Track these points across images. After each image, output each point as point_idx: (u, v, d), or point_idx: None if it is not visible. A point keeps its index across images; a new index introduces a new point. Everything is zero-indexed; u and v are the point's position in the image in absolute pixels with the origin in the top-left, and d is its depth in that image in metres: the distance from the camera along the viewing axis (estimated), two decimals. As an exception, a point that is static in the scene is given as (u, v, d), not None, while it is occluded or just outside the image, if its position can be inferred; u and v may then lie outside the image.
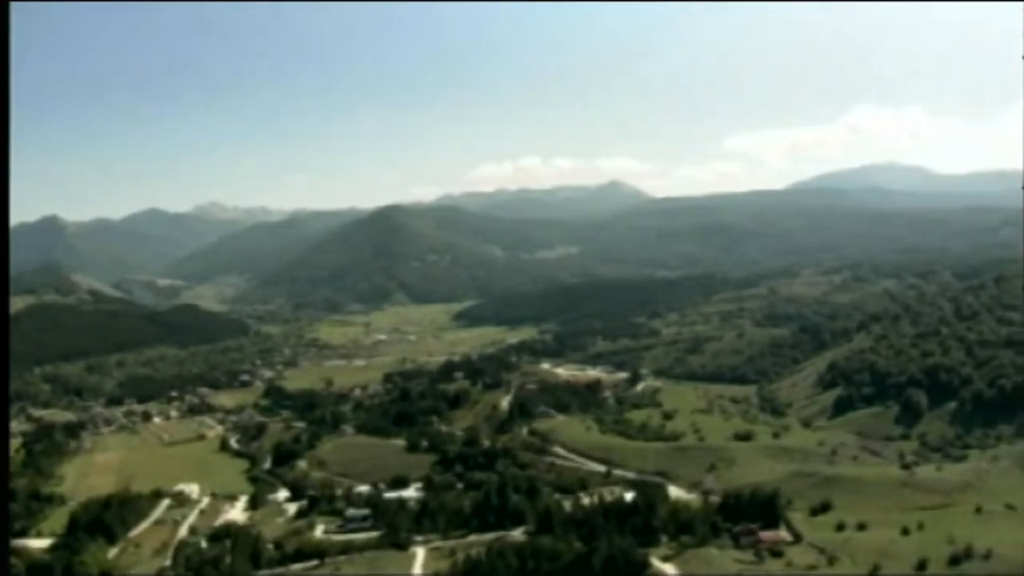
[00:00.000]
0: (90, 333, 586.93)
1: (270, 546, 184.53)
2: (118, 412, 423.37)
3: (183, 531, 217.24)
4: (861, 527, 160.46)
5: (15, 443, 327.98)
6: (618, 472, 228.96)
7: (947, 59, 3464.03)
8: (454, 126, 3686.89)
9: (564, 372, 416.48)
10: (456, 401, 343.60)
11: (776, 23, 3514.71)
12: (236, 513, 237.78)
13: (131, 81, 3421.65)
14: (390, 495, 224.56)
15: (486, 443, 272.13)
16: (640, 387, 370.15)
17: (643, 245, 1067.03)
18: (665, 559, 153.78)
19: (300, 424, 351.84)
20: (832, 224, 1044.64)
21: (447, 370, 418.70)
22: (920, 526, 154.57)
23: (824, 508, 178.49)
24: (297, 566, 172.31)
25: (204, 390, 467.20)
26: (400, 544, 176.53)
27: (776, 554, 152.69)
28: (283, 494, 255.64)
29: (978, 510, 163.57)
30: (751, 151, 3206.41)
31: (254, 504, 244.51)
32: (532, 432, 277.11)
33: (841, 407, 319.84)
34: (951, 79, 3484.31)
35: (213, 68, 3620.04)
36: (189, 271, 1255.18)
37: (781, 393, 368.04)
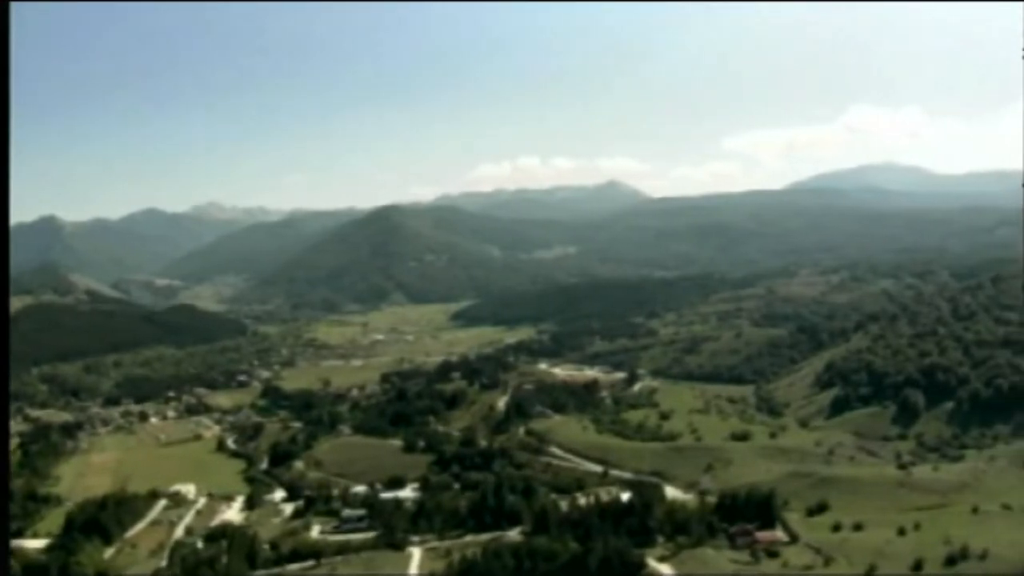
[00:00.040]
0: (87, 333, 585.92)
1: (266, 546, 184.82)
2: (115, 412, 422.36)
3: (179, 531, 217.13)
4: (857, 527, 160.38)
5: (11, 443, 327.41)
6: (615, 472, 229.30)
7: (945, 59, 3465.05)
8: (452, 126, 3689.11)
9: (561, 372, 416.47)
10: (453, 401, 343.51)
11: (774, 23, 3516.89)
12: (232, 513, 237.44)
13: (129, 81, 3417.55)
14: (386, 495, 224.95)
15: (483, 443, 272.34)
16: (637, 387, 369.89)
17: (641, 245, 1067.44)
18: (661, 559, 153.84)
19: (297, 424, 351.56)
20: (830, 224, 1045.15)
21: (444, 370, 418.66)
22: (916, 526, 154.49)
23: (820, 508, 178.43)
24: (293, 566, 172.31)
25: (201, 390, 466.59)
26: (396, 544, 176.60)
27: (772, 554, 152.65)
28: (280, 494, 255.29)
29: (975, 510, 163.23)
30: (749, 151, 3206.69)
31: (250, 504, 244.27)
32: (529, 432, 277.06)
33: (838, 407, 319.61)
34: (949, 79, 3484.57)
35: (211, 68, 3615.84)
36: (187, 271, 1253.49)
37: (778, 393, 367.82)
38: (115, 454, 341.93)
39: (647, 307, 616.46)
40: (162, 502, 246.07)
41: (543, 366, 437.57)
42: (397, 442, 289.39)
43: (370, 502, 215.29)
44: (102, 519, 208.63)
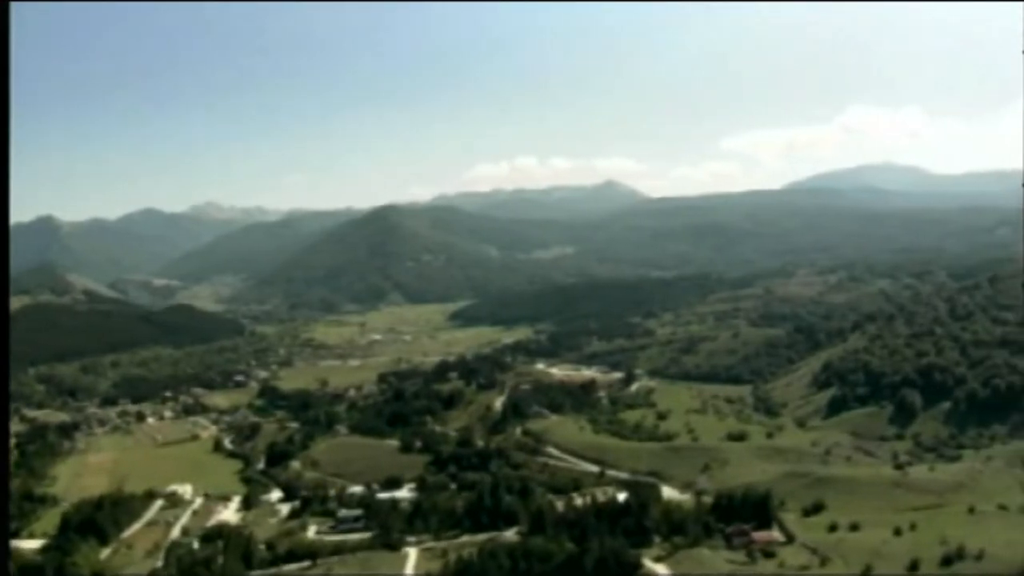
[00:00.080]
0: (85, 333, 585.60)
1: (262, 547, 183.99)
2: (112, 413, 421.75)
3: (175, 532, 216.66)
4: (854, 527, 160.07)
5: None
6: (611, 472, 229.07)
7: (943, 59, 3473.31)
8: (450, 126, 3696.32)
9: (559, 372, 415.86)
10: (450, 401, 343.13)
11: (772, 23, 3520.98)
12: (229, 514, 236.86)
13: (127, 81, 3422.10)
14: (383, 496, 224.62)
15: (480, 443, 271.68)
16: (634, 387, 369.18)
17: (639, 245, 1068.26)
18: (657, 560, 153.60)
19: (294, 424, 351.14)
20: (827, 224, 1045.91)
21: (441, 370, 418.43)
22: (913, 526, 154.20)
23: (817, 508, 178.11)
24: (289, 567, 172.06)
25: (198, 390, 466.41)
26: (392, 545, 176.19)
27: (768, 555, 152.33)
28: (276, 495, 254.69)
29: (971, 510, 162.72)
30: (747, 151, 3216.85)
31: (247, 505, 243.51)
32: (526, 432, 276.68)
33: (835, 407, 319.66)
34: (947, 79, 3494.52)
35: (209, 68, 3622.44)
36: (185, 271, 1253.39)
37: (776, 393, 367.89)
38: (112, 454, 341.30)
39: (645, 307, 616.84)
40: (158, 502, 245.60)
41: (540, 366, 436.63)
42: (394, 442, 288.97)
43: (366, 502, 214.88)
44: (98, 519, 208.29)
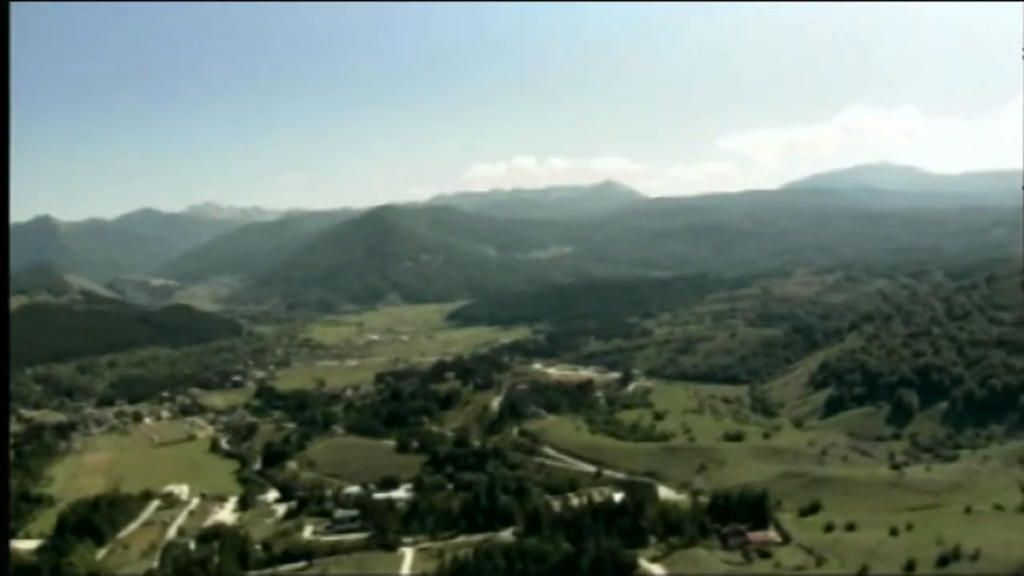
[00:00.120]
0: (82, 333, 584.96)
1: (258, 547, 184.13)
2: (109, 413, 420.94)
3: (172, 532, 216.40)
4: (850, 528, 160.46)
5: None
6: (608, 473, 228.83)
7: (941, 59, 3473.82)
8: (449, 126, 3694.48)
9: (556, 372, 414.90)
10: (447, 401, 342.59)
11: (769, 23, 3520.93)
12: (225, 514, 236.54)
13: (125, 81, 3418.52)
14: (379, 496, 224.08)
15: (476, 444, 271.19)
16: (631, 387, 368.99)
17: (637, 245, 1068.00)
18: (653, 560, 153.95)
19: (291, 425, 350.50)
20: (825, 224, 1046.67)
21: (439, 370, 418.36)
22: (909, 527, 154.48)
23: (813, 509, 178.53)
24: (285, 567, 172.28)
25: (196, 391, 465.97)
26: (388, 545, 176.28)
27: (764, 555, 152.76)
28: (273, 495, 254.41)
29: (967, 510, 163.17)
30: (745, 151, 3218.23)
31: (243, 505, 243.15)
32: (522, 432, 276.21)
33: (832, 407, 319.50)
34: (945, 79, 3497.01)
35: (207, 68, 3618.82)
36: (183, 271, 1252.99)
37: (773, 393, 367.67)
38: (108, 455, 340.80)
39: (642, 307, 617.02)
40: (155, 503, 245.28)
41: (538, 366, 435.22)
42: (391, 442, 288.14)
43: (363, 503, 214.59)
44: (94, 520, 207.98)
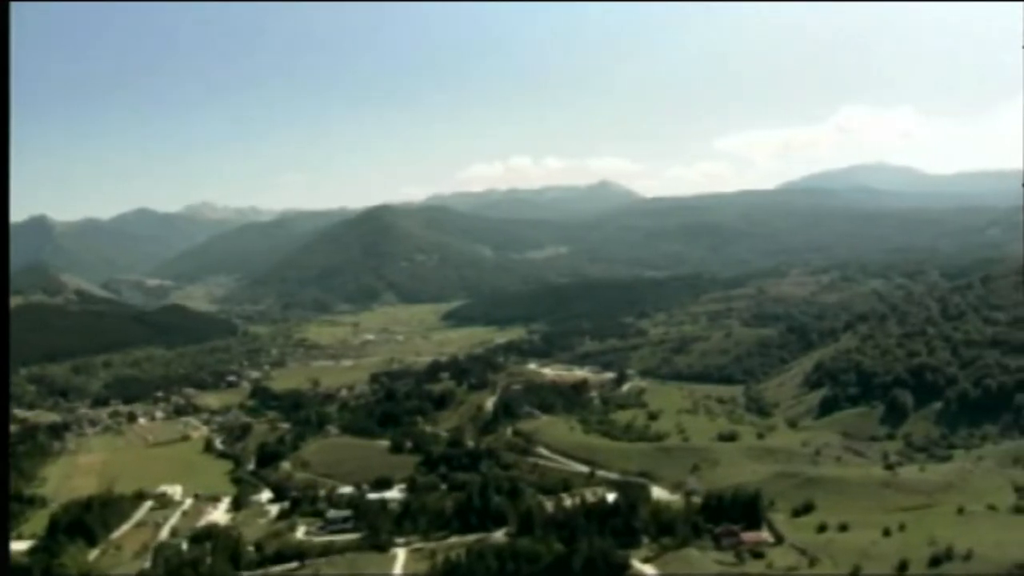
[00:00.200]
0: (77, 333, 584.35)
1: (251, 548, 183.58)
2: (103, 413, 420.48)
3: (164, 533, 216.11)
4: (843, 528, 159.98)
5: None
6: (601, 473, 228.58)
7: (936, 59, 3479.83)
8: (444, 126, 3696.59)
9: (551, 372, 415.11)
10: (441, 402, 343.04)
11: (766, 24, 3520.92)
12: (219, 515, 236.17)
13: (121, 81, 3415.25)
14: (373, 496, 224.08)
15: (470, 444, 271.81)
16: (626, 387, 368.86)
17: (632, 245, 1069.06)
18: (646, 560, 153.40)
19: (285, 425, 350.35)
20: (821, 224, 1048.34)
21: (433, 370, 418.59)
22: (902, 527, 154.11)
23: (806, 509, 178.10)
24: (277, 568, 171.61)
25: (190, 391, 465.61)
26: (381, 545, 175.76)
27: (757, 555, 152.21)
28: (266, 495, 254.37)
29: (960, 511, 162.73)
30: (741, 151, 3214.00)
31: (237, 505, 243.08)
32: (516, 433, 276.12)
33: (827, 407, 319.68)
34: (940, 79, 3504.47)
35: (204, 68, 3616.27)
36: (179, 271, 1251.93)
37: (768, 393, 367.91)
38: (102, 455, 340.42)
39: (638, 307, 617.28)
40: (148, 503, 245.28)
41: (532, 366, 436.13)
42: (385, 442, 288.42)
43: (355, 503, 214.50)
44: (87, 520, 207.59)
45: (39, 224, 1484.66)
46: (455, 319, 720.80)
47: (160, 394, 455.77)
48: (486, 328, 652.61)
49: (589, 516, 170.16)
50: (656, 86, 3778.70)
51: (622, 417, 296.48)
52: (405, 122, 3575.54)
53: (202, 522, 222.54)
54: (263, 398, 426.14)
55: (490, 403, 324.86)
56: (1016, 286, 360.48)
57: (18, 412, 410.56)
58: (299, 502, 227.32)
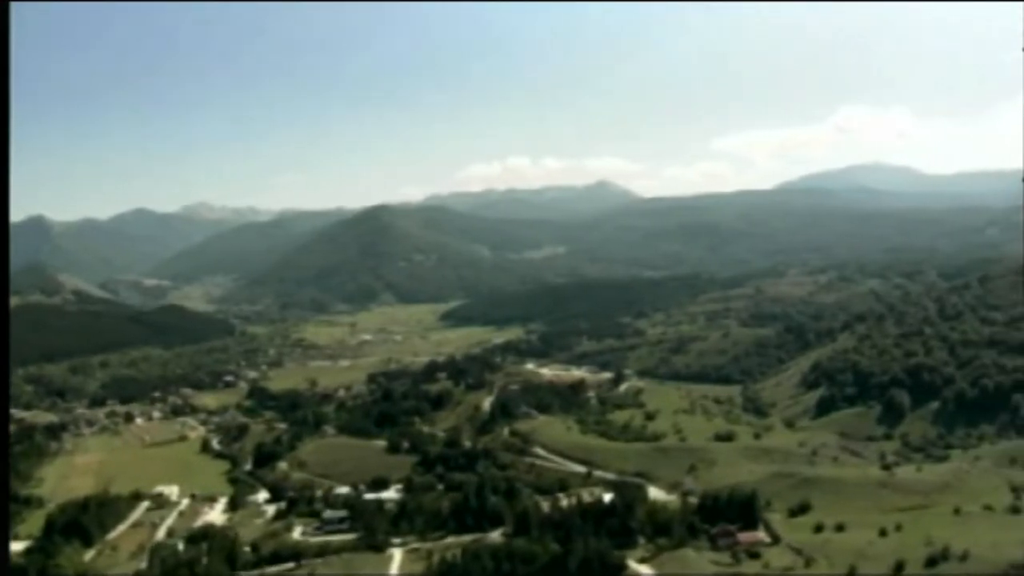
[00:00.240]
0: (74, 334, 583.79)
1: (247, 548, 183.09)
2: (100, 413, 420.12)
3: (161, 533, 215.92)
4: (839, 528, 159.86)
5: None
6: (598, 473, 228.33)
7: (934, 60, 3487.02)
8: (443, 126, 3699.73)
9: (548, 372, 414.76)
10: (439, 402, 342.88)
11: (765, 24, 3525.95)
12: (215, 515, 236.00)
13: (119, 81, 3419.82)
14: (369, 496, 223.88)
15: (467, 444, 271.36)
16: (623, 387, 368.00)
17: (631, 245, 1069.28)
18: (642, 561, 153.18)
19: (282, 425, 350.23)
20: (819, 224, 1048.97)
21: (430, 371, 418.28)
22: (898, 527, 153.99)
23: (803, 509, 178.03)
24: (273, 568, 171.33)
25: (187, 391, 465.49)
26: (377, 546, 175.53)
27: (753, 555, 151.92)
28: (263, 495, 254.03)
29: (956, 511, 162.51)
30: (739, 151, 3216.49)
31: (233, 506, 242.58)
32: (513, 433, 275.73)
33: (824, 407, 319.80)
34: (938, 80, 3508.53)
35: (202, 68, 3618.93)
36: (176, 271, 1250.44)
37: (765, 393, 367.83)
38: (99, 455, 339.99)
39: (635, 307, 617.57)
40: (145, 503, 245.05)
41: (530, 366, 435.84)
42: (382, 443, 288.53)
43: (352, 503, 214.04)
44: (83, 521, 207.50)
45: (37, 224, 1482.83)
46: (453, 319, 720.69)
47: (157, 394, 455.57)
48: (484, 328, 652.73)
49: (585, 516, 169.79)
50: (655, 86, 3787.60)
51: (619, 417, 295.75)
52: (403, 122, 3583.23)
53: (198, 522, 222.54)
54: (260, 398, 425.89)
55: (487, 403, 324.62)
56: (1014, 286, 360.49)
57: (15, 412, 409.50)
58: (296, 502, 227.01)
